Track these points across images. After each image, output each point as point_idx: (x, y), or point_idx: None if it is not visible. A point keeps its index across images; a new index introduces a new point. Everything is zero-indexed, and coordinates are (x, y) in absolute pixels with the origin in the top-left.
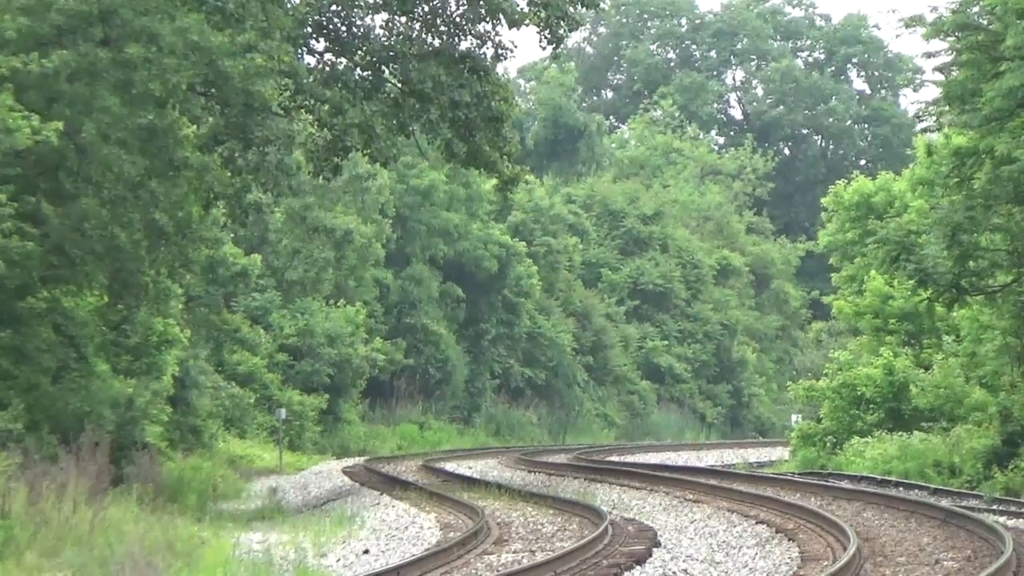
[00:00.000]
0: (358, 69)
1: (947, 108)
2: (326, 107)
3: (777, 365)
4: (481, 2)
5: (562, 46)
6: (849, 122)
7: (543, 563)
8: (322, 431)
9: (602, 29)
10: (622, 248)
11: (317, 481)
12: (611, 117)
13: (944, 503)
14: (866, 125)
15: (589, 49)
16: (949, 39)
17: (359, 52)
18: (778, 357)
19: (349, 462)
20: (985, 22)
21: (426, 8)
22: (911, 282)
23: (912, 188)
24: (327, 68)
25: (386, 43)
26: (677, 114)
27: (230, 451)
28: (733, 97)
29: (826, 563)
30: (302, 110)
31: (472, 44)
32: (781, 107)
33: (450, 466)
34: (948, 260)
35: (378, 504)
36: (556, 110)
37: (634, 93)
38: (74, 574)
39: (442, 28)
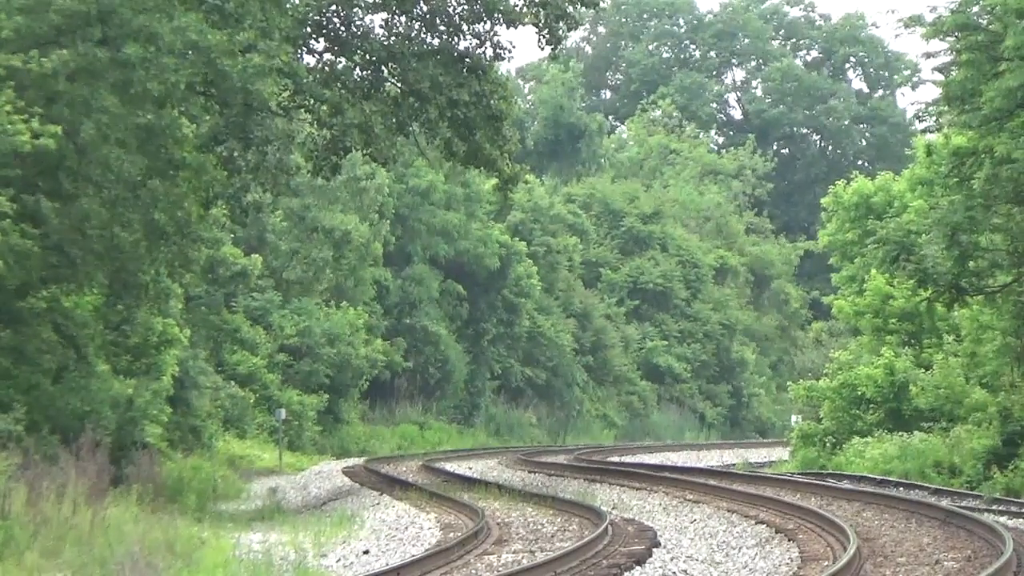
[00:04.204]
0: (357, 69)
1: (947, 108)
2: (325, 107)
3: (777, 365)
4: (479, 2)
5: (561, 46)
6: (848, 122)
7: (543, 563)
8: (322, 431)
9: (601, 29)
10: (622, 248)
11: (317, 481)
12: (610, 117)
13: (944, 503)
14: (865, 125)
15: (588, 49)
16: (949, 39)
17: (358, 52)
18: (778, 357)
19: (349, 462)
20: (985, 22)
21: (425, 8)
22: (911, 282)
23: (912, 188)
24: (327, 68)
25: (385, 43)
26: (676, 114)
27: (230, 451)
28: (732, 97)
29: (826, 563)
30: (302, 110)
31: (471, 44)
32: (781, 107)
33: (450, 466)
34: (948, 260)
35: (378, 504)
36: (556, 110)
37: (633, 93)
38: (74, 574)
39: (441, 28)
